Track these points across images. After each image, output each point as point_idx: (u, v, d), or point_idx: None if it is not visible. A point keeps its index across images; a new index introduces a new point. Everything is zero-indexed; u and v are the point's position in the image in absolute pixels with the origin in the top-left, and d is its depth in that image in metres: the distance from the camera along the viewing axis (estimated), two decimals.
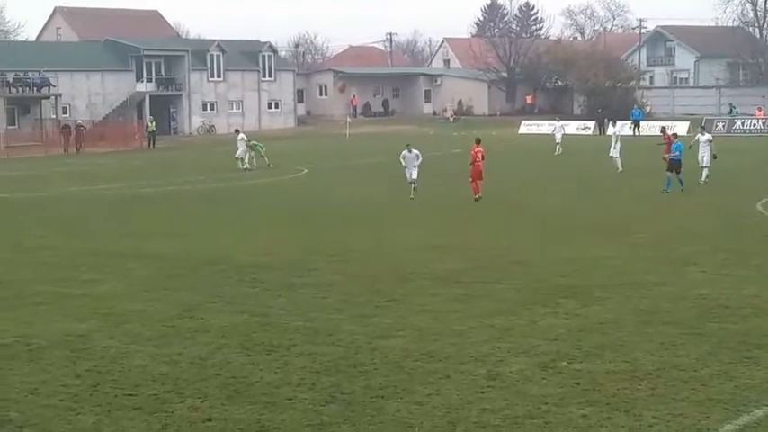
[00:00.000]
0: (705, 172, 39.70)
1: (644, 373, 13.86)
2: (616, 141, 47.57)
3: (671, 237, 26.82)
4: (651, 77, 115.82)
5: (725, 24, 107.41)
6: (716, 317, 17.22)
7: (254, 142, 53.47)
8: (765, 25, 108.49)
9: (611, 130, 52.37)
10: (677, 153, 37.02)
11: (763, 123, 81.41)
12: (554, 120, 73.60)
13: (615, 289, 19.70)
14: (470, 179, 35.90)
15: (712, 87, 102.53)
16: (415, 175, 37.30)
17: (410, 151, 37.69)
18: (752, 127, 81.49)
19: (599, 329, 16.46)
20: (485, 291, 19.76)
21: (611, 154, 47.15)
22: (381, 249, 25.53)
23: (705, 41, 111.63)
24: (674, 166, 37.06)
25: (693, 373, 13.89)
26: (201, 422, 12.16)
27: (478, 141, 37.16)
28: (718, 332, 16.16)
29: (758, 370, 13.99)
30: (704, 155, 39.86)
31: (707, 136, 41.45)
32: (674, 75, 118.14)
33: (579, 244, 25.65)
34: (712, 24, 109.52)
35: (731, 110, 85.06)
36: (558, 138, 62.63)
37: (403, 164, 37.87)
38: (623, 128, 65.63)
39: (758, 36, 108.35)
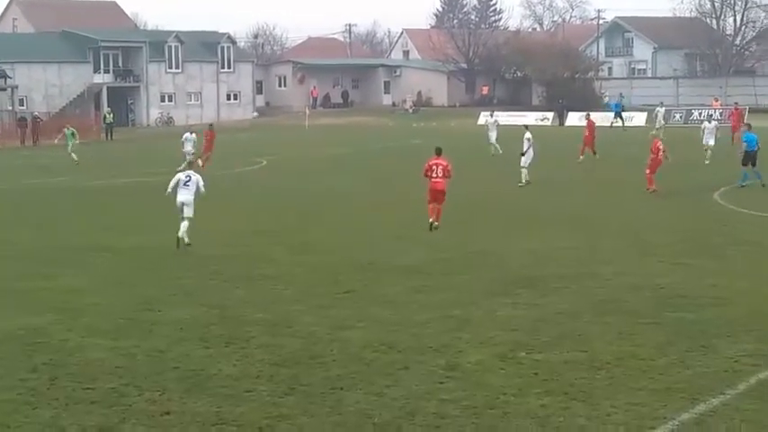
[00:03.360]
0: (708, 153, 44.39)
1: (602, 362, 13.94)
2: (492, 130, 51.11)
3: (630, 227, 26.97)
4: (609, 68, 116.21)
5: (682, 15, 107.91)
6: (673, 306, 17.34)
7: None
8: (722, 16, 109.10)
9: (482, 120, 52.99)
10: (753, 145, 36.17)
11: (720, 114, 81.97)
12: (489, 115, 59.24)
13: (574, 279, 19.79)
14: (428, 200, 26.75)
15: (670, 78, 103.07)
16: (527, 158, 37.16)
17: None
18: (704, 117, 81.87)
19: (557, 320, 16.53)
20: (445, 282, 19.79)
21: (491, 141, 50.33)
22: (341, 241, 25.50)
23: (663, 33, 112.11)
24: (750, 158, 36.04)
25: (651, 362, 13.99)
26: (160, 415, 12.10)
27: (439, 152, 26.78)
28: (676, 321, 16.28)
29: (715, 358, 14.11)
30: (709, 140, 45.13)
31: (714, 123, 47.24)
32: (632, 66, 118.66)
33: (541, 235, 25.73)
34: (670, 15, 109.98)
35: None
36: (493, 137, 52.17)
37: None
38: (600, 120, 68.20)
39: (715, 27, 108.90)
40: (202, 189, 24.37)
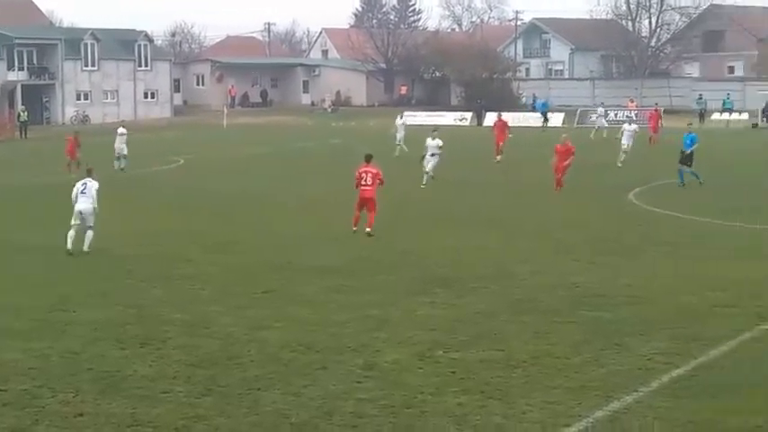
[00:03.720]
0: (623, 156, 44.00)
1: (518, 361, 14.04)
2: (400, 131, 50.13)
3: (546, 227, 27.21)
4: (527, 69, 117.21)
5: (599, 17, 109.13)
6: (589, 305, 17.53)
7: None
8: (638, 18, 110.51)
9: (398, 121, 52.68)
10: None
11: (636, 115, 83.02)
12: (398, 116, 55.03)
13: (491, 279, 19.92)
14: (356, 207, 25.87)
15: (586, 79, 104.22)
16: (430, 165, 36.56)
17: (432, 139, 37.18)
18: (624, 118, 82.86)
19: (475, 319, 16.62)
20: (364, 282, 19.79)
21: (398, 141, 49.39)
22: (259, 241, 25.38)
23: (579, 34, 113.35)
24: (687, 157, 36.51)
25: (567, 360, 14.13)
26: (74, 417, 11.95)
27: (368, 159, 26.03)
28: (591, 320, 16.46)
29: (629, 357, 14.30)
30: (629, 141, 44.75)
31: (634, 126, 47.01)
32: (550, 66, 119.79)
33: (459, 234, 25.85)
34: (587, 17, 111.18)
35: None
36: (399, 138, 49.76)
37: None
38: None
39: (631, 29, 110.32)
40: (95, 197, 23.26)
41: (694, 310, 17.15)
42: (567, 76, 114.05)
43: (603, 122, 68.20)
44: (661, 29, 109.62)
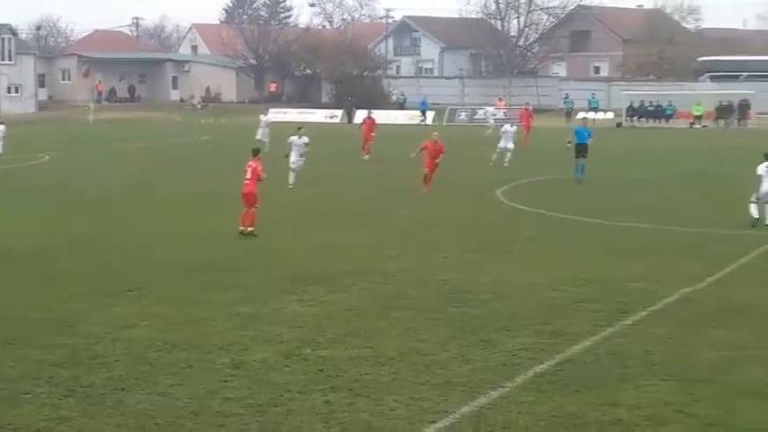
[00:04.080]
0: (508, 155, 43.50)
1: (386, 358, 14.09)
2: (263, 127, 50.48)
3: (415, 223, 27.36)
4: (398, 67, 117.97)
5: (469, 16, 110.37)
6: (457, 301, 17.69)
7: None
8: (507, 18, 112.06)
9: (262, 117, 52.65)
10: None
11: (504, 113, 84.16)
12: (262, 113, 55.77)
13: (361, 275, 19.95)
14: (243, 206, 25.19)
15: (455, 78, 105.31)
16: (297, 162, 35.81)
17: (299, 137, 36.34)
18: (493, 117, 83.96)
19: (345, 316, 16.63)
20: (233, 279, 19.64)
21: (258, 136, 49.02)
22: (126, 238, 24.95)
23: (449, 33, 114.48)
24: (581, 150, 37.52)
25: (434, 357, 14.22)
26: None
27: (255, 153, 25.94)
28: (459, 316, 16.61)
29: (495, 353, 14.46)
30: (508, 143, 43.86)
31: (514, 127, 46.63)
32: (420, 64, 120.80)
33: (328, 231, 25.83)
34: (457, 16, 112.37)
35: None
36: (260, 134, 49.85)
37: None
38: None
39: (500, 28, 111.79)
40: None
41: (559, 306, 17.44)
42: (436, 75, 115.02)
43: (491, 121, 68.64)
44: (529, 28, 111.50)
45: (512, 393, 12.63)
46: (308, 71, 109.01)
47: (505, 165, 42.65)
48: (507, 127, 45.77)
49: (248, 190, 25.09)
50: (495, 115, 72.03)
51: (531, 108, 66.54)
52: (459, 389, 12.77)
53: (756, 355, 14.25)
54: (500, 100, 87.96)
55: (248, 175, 25.15)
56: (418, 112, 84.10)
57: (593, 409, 12.03)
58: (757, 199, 26.17)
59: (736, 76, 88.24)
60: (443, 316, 16.69)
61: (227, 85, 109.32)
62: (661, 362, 13.99)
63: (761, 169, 26.34)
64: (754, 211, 26.13)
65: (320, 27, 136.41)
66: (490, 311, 17.04)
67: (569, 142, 38.17)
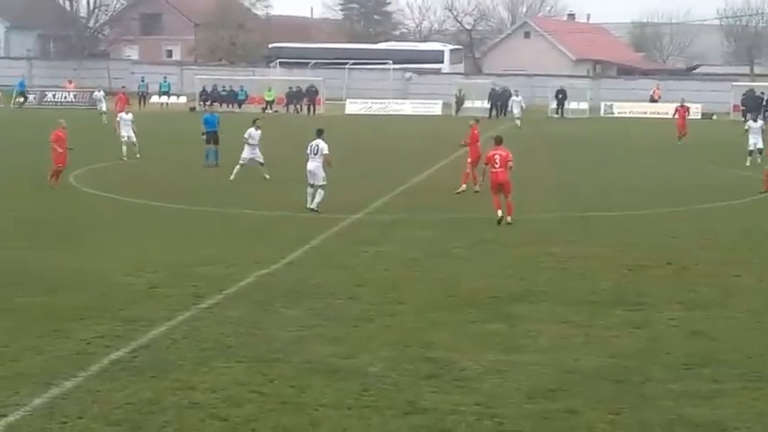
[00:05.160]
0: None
1: None
2: None
3: None
4: None
5: None
6: (23, 291, 17.08)
7: None
8: None
9: None
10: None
11: (75, 96, 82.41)
12: None
13: None
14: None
15: (23, 59, 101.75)
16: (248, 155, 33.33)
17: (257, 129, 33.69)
18: (63, 99, 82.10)
19: None
20: None
21: None
22: None
23: (17, 12, 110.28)
24: (211, 137, 37.52)
25: (4, 349, 13.72)
26: None
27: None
28: (28, 306, 16.08)
29: (68, 342, 14.13)
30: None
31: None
32: None
33: None
34: None
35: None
36: None
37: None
38: None
39: (69, 9, 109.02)
40: None
41: (133, 292, 17.27)
42: (2, 55, 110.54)
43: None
44: (99, 10, 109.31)
45: (86, 382, 12.38)
46: None
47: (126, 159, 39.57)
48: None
49: None
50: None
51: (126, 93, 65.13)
52: (30, 381, 12.35)
53: (324, 334, 14.77)
54: (69, 82, 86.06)
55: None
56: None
57: (169, 394, 12.02)
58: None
59: (306, 63, 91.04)
60: (11, 306, 16.09)
61: None
62: (236, 344, 14.20)
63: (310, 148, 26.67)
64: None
65: None
66: (63, 300, 16.60)
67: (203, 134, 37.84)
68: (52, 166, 30.88)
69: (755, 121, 42.27)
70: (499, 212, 24.38)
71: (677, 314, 16.26)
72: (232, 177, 32.47)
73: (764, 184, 31.39)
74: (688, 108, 57.82)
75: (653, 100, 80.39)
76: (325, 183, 26.03)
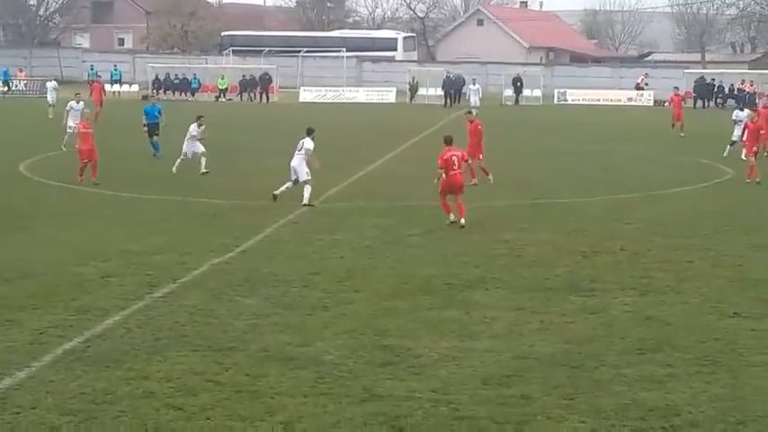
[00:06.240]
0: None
1: None
2: None
3: None
4: None
5: None
6: None
7: None
8: None
9: None
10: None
11: (26, 84, 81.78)
12: None
13: None
14: None
15: None
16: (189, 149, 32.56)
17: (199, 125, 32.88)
18: (14, 88, 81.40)
19: None
20: None
21: None
22: None
23: None
24: (153, 129, 36.96)
25: None
26: None
27: None
28: None
29: (21, 332, 14.03)
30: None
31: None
32: None
33: None
34: None
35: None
36: None
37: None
38: None
39: None
40: None
41: (86, 282, 17.15)
42: None
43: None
44: None
45: (39, 372, 12.29)
46: None
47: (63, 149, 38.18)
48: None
49: None
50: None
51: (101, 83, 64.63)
52: None
53: (279, 322, 14.75)
54: (20, 71, 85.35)
55: None
56: None
57: (124, 384, 11.96)
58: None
59: (259, 51, 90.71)
60: None
61: None
62: (191, 333, 14.15)
63: None
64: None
65: None
66: (15, 290, 16.46)
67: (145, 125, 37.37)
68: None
69: (741, 110, 40.83)
70: (452, 216, 23.26)
71: (631, 299, 16.39)
72: (174, 170, 32.11)
73: (749, 173, 30.71)
74: (683, 96, 57.38)
75: (638, 88, 79.76)
76: (309, 178, 25.78)
